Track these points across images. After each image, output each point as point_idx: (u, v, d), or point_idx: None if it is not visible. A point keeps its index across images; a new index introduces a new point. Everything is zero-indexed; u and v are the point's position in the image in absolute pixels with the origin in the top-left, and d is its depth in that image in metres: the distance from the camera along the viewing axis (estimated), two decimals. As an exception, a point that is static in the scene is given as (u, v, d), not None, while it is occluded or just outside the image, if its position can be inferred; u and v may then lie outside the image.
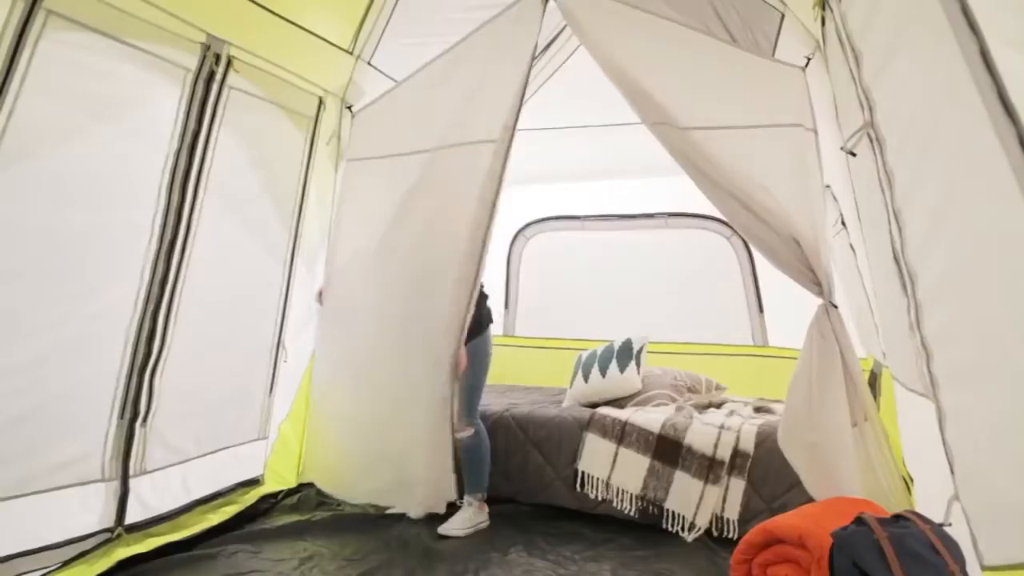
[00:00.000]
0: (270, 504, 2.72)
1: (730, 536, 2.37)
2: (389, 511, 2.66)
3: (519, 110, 2.43)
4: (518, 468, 2.77)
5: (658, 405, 3.04)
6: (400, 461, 2.53)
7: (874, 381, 2.64)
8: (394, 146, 2.80)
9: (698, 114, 2.29)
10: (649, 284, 3.86)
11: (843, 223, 2.59)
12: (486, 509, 2.59)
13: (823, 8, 1.93)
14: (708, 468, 2.49)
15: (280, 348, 2.76)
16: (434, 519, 2.52)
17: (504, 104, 2.44)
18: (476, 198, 2.46)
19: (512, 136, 2.43)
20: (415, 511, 2.58)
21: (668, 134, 2.30)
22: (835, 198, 2.58)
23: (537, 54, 2.58)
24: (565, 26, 3.03)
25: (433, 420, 2.44)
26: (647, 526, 2.49)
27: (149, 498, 2.19)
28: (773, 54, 2.50)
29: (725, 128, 2.26)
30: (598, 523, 2.55)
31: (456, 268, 2.46)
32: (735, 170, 2.23)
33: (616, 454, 2.62)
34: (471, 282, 2.44)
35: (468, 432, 2.55)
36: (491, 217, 2.45)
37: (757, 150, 2.22)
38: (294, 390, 2.88)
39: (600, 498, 2.61)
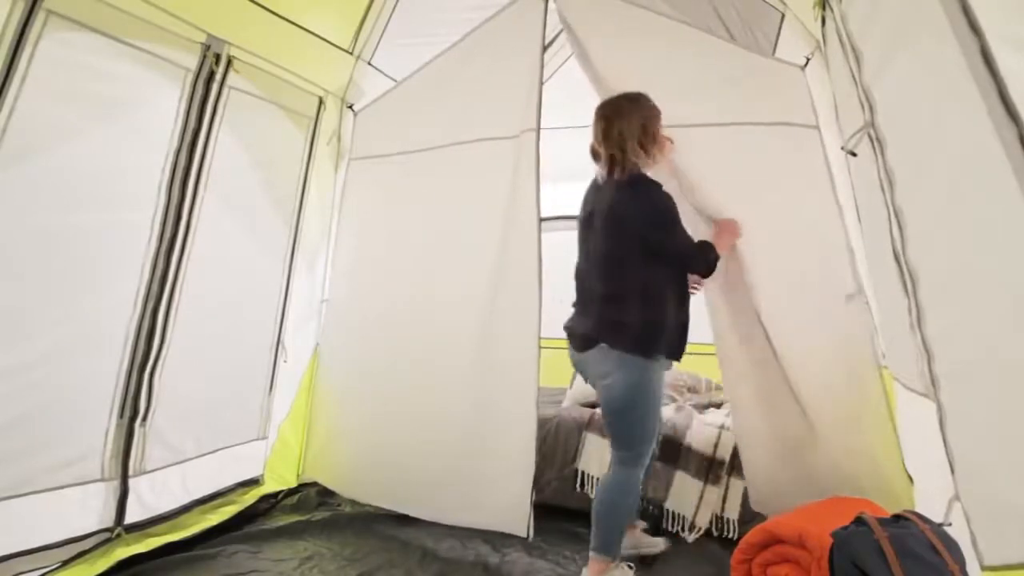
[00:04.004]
0: (270, 504, 2.72)
1: (730, 536, 2.37)
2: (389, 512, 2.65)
3: (540, 105, 2.42)
4: (518, 468, 2.76)
5: (658, 405, 3.04)
6: (439, 473, 2.49)
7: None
8: (400, 144, 2.80)
9: (698, 111, 2.29)
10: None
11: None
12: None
13: (823, 8, 1.93)
14: (708, 468, 2.49)
15: (280, 347, 2.76)
16: (434, 523, 2.52)
17: (519, 101, 2.44)
18: (505, 196, 2.43)
19: (538, 131, 2.41)
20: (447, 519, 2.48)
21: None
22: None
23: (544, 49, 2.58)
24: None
25: (511, 442, 2.36)
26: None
27: (148, 498, 2.19)
28: (773, 54, 2.50)
29: (725, 125, 2.27)
30: (598, 523, 2.55)
31: (513, 273, 2.39)
32: (733, 168, 2.24)
33: (616, 454, 2.61)
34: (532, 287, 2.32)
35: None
36: (538, 217, 2.38)
37: (758, 147, 2.23)
38: (294, 390, 2.88)
39: (600, 498, 2.60)
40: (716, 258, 2.01)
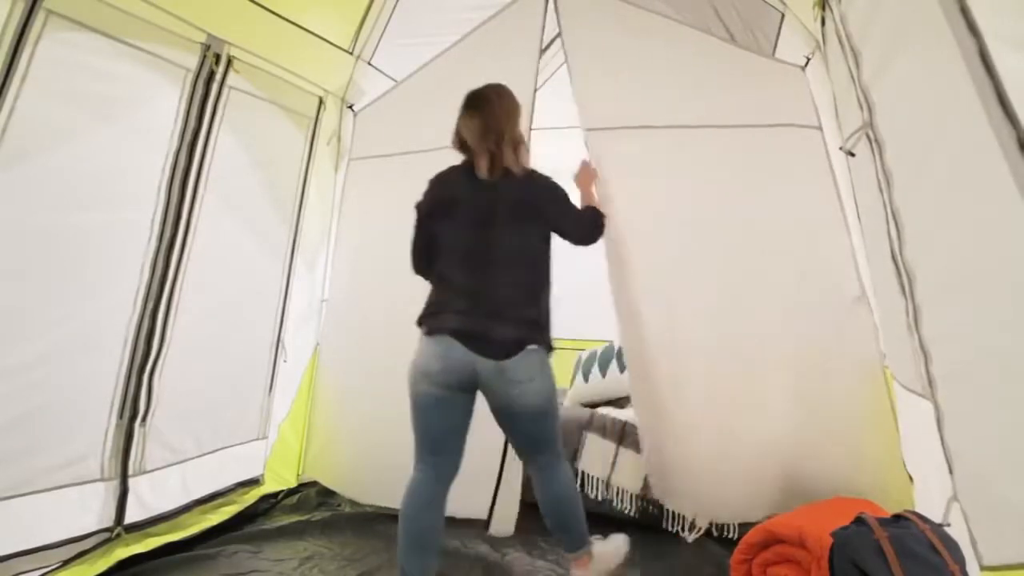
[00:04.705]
0: (270, 504, 2.72)
1: (730, 536, 2.36)
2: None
3: (532, 104, 2.43)
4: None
5: (658, 405, 3.03)
6: None
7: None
8: (400, 144, 2.80)
9: (699, 112, 2.29)
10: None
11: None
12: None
13: (823, 8, 1.93)
14: (708, 468, 2.49)
15: (280, 347, 2.76)
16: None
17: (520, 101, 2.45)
18: None
19: (529, 131, 2.41)
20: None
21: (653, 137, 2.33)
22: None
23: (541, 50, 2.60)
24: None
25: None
26: (647, 526, 2.48)
27: (148, 498, 2.19)
28: (773, 54, 2.50)
29: (726, 127, 2.27)
30: (598, 523, 2.54)
31: None
32: (735, 170, 2.25)
33: (616, 454, 2.61)
34: None
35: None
36: None
37: (759, 148, 2.24)
38: (294, 390, 2.88)
39: (600, 498, 2.60)
40: (602, 216, 2.07)
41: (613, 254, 2.36)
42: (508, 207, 1.82)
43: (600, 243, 2.20)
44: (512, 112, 1.90)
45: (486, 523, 2.44)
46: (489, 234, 1.81)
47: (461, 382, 1.78)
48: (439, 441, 1.83)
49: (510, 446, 2.41)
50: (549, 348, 1.85)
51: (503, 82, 2.49)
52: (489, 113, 1.85)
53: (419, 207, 1.95)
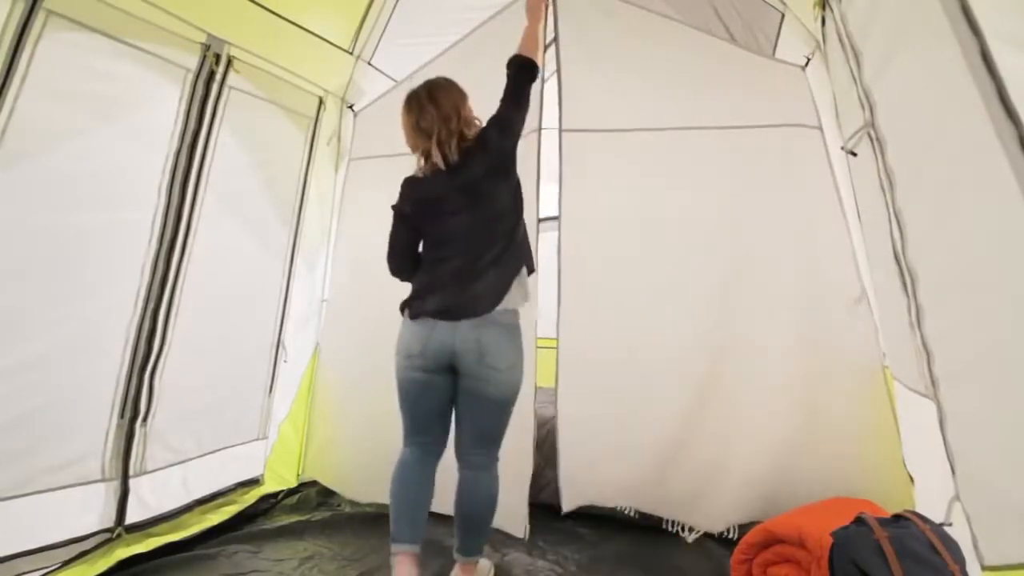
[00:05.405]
0: (270, 504, 2.72)
1: (730, 536, 2.36)
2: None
3: (541, 105, 2.43)
4: (518, 468, 2.76)
5: (658, 405, 3.03)
6: None
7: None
8: (400, 144, 2.79)
9: (699, 113, 2.30)
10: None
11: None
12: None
13: (823, 8, 1.93)
14: (708, 468, 2.48)
15: (280, 348, 2.76)
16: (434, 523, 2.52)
17: None
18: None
19: (540, 131, 2.43)
20: None
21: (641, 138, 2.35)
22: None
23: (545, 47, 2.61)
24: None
25: (508, 442, 2.34)
26: (647, 526, 2.48)
27: (149, 498, 2.19)
28: (773, 54, 2.50)
29: (727, 128, 2.27)
30: (598, 523, 2.55)
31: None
32: (735, 170, 2.25)
33: (616, 454, 2.60)
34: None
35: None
36: (537, 217, 2.44)
37: (760, 148, 2.24)
38: (294, 390, 2.88)
39: (600, 498, 2.60)
40: (530, 60, 1.99)
41: (570, 252, 2.43)
42: (479, 181, 1.83)
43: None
44: (442, 103, 1.86)
45: (525, 538, 2.36)
46: (472, 215, 1.83)
47: (440, 364, 1.81)
48: (424, 423, 1.90)
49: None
50: (531, 270, 1.94)
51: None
52: (420, 113, 1.86)
53: (397, 208, 1.96)
